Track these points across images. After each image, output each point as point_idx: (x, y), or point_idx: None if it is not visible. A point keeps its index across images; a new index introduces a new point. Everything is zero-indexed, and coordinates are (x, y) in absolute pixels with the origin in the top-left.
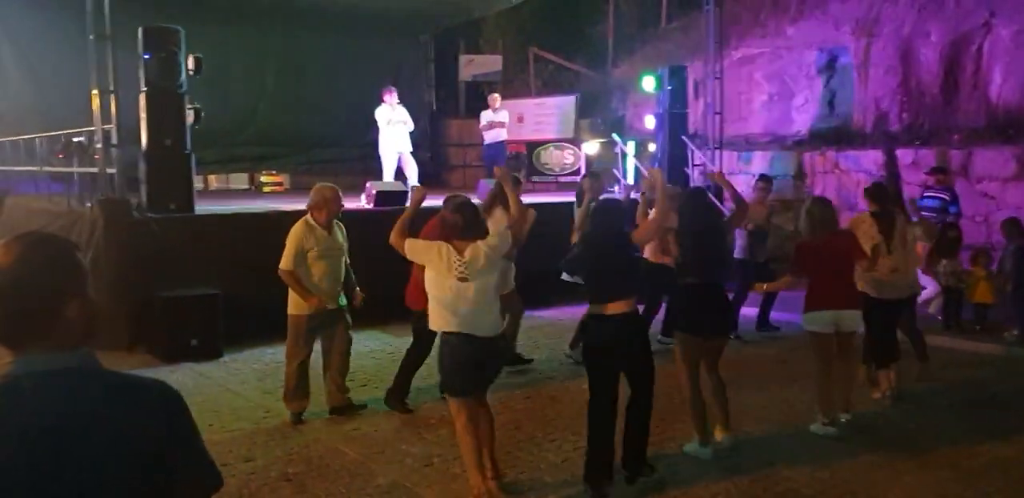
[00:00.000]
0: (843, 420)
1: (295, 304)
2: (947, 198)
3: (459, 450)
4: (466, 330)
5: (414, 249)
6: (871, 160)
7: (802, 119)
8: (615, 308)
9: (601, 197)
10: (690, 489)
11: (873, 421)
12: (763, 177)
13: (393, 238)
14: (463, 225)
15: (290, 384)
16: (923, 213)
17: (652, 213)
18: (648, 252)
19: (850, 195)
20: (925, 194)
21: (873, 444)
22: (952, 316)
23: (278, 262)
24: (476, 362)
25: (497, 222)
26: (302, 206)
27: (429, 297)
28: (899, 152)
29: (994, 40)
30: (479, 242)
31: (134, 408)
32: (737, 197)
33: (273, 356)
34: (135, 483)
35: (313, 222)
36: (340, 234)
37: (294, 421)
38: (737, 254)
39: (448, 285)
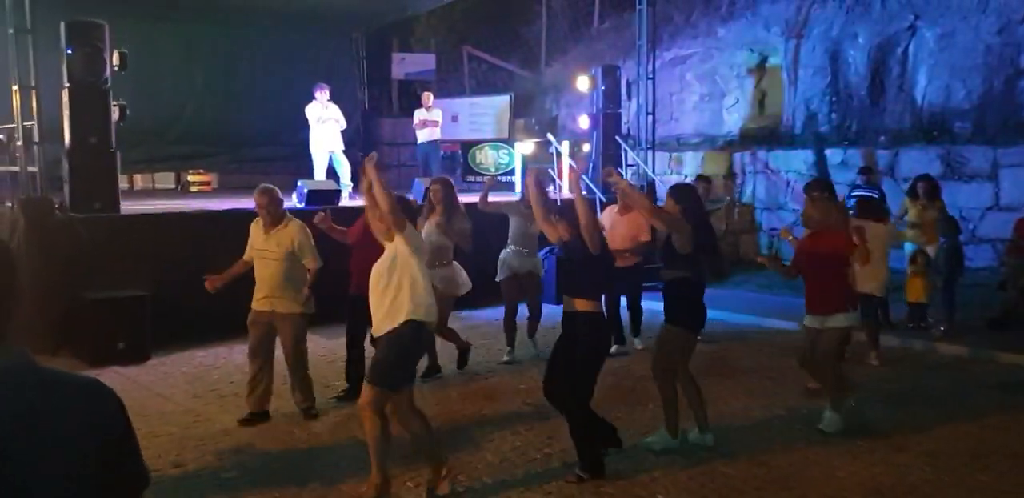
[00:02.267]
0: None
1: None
2: (875, 196)
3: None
4: None
5: None
6: (801, 160)
7: (733, 119)
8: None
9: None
10: (629, 485)
11: (808, 418)
12: (700, 177)
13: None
14: None
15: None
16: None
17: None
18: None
19: (779, 194)
20: (853, 193)
21: (808, 440)
22: (882, 313)
23: (207, 262)
24: None
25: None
26: (231, 205)
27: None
28: (828, 152)
29: (919, 43)
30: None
31: (76, 404)
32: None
33: (203, 359)
34: (76, 478)
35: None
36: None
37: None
38: None
39: None
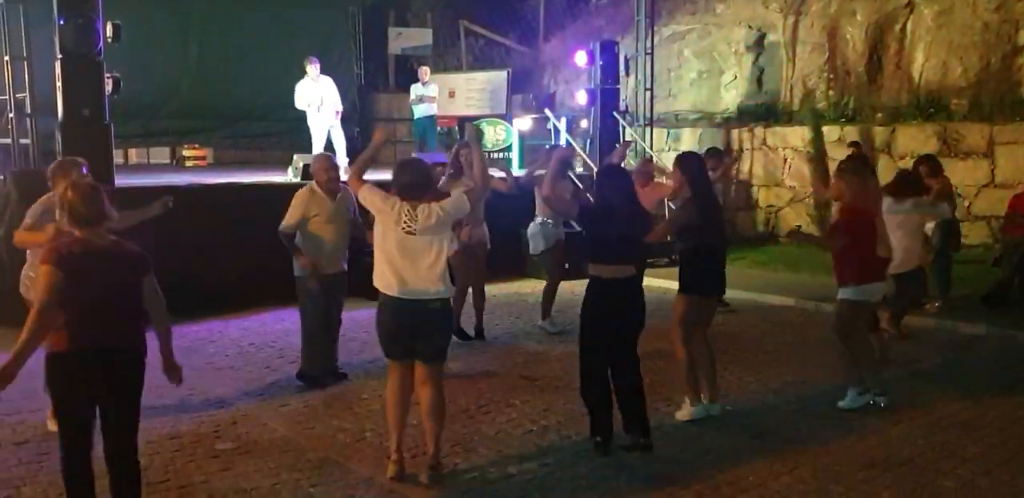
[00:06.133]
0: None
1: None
2: None
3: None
4: (399, 293)
5: (371, 196)
6: (798, 137)
7: (731, 96)
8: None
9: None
10: (623, 454)
11: (802, 392)
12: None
13: (350, 180)
14: (407, 184)
15: None
16: None
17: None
18: None
19: (777, 171)
20: None
21: (803, 413)
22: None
23: (202, 238)
24: (402, 326)
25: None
26: (226, 180)
27: (375, 252)
28: (825, 129)
29: (917, 20)
30: (434, 203)
31: None
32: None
33: (198, 333)
34: None
35: (317, 188)
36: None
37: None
38: None
39: (394, 239)
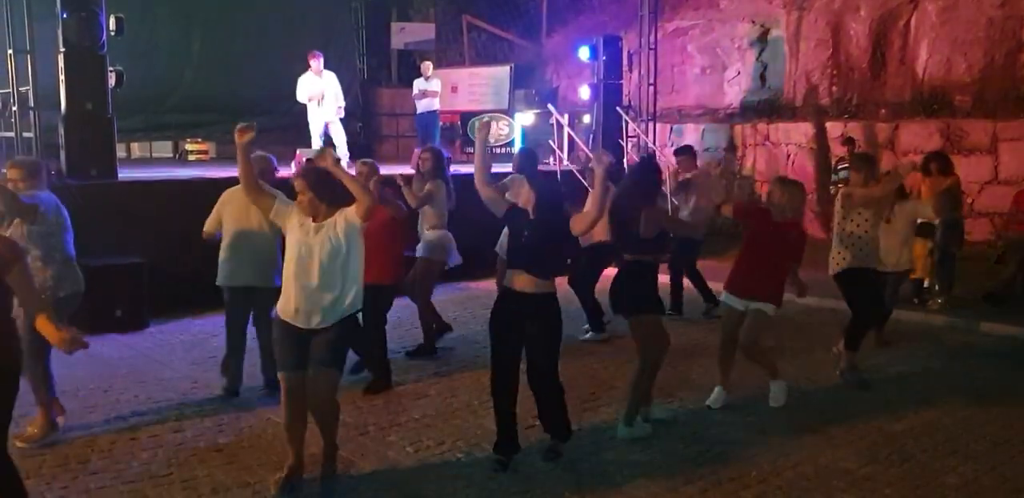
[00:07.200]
0: None
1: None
2: None
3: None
4: None
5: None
6: (801, 133)
7: (734, 91)
8: None
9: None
10: (625, 456)
11: (804, 389)
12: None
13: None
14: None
15: None
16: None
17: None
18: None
19: (780, 167)
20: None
21: (806, 410)
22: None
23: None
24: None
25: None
26: (229, 174)
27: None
28: (828, 125)
29: (921, 16)
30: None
31: None
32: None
33: (201, 327)
34: None
35: None
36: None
37: None
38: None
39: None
